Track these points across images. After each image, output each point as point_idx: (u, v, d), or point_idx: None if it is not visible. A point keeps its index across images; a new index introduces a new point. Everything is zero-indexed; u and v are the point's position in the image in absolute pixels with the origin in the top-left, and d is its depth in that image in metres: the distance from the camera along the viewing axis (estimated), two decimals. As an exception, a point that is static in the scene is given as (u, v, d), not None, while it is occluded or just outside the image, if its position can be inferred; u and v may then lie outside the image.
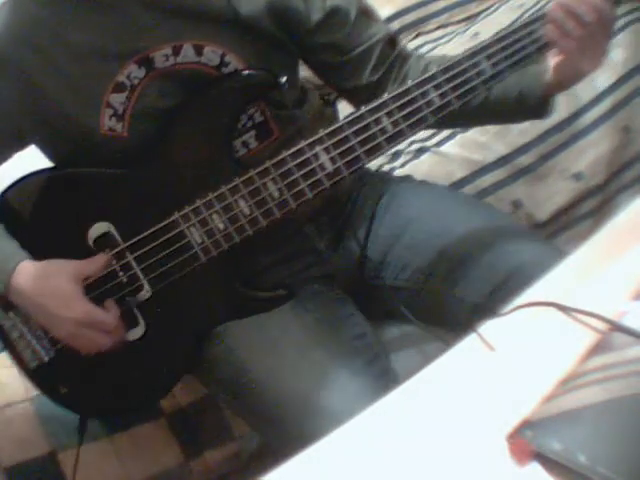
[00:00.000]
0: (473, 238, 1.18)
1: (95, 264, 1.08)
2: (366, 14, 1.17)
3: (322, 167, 1.04)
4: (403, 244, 1.22)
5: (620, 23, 1.72)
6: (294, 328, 1.13)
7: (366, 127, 1.03)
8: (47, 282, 1.06)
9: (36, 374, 1.17)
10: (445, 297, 1.17)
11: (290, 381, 1.08)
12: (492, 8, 1.84)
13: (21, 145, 1.15)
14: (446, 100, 1.03)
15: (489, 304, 1.10)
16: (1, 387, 1.32)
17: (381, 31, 1.18)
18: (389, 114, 1.03)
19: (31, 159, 1.18)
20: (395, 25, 1.81)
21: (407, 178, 1.36)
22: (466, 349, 0.83)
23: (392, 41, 1.19)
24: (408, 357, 1.25)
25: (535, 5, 1.75)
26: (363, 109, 1.03)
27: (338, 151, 1.03)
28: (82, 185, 1.13)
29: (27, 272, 1.06)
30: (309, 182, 1.04)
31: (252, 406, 1.12)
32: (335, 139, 1.03)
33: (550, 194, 1.61)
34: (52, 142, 1.14)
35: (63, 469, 1.32)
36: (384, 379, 1.10)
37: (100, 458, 1.23)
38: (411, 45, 1.80)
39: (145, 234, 1.08)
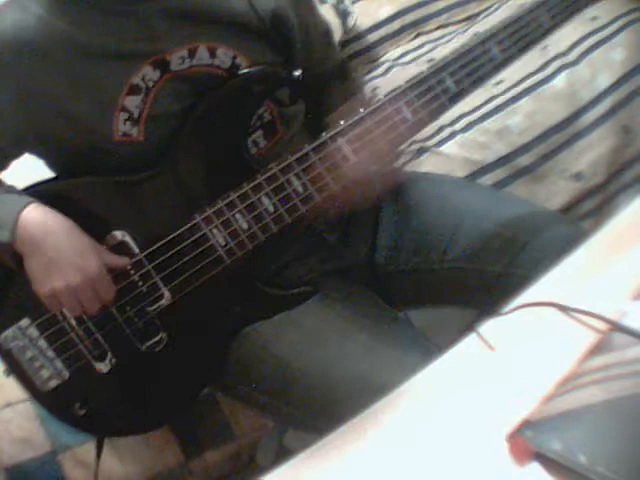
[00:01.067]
0: (482, 213, 1.18)
1: (111, 256, 1.06)
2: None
3: (345, 159, 1.04)
4: (413, 228, 1.21)
5: (620, 23, 1.72)
6: (329, 317, 1.11)
7: (387, 117, 1.03)
8: (65, 227, 1.03)
9: (49, 398, 1.13)
10: (464, 272, 1.17)
11: (340, 366, 1.05)
12: (492, 8, 1.84)
13: (17, 155, 1.13)
14: (462, 86, 1.04)
15: (509, 272, 1.11)
16: (1, 387, 1.32)
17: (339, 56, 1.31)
18: (408, 103, 1.03)
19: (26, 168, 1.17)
20: (395, 25, 1.81)
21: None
22: (466, 349, 0.83)
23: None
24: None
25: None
26: (384, 99, 1.03)
27: (361, 142, 1.03)
28: (92, 193, 1.10)
29: (44, 210, 1.03)
30: (333, 175, 1.04)
31: (298, 398, 1.09)
32: (357, 130, 1.03)
33: (550, 194, 1.61)
34: (58, 153, 1.12)
35: (63, 469, 1.32)
36: (432, 354, 1.08)
37: (101, 458, 1.22)
38: (411, 45, 1.80)
39: (164, 241, 1.06)
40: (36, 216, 1.03)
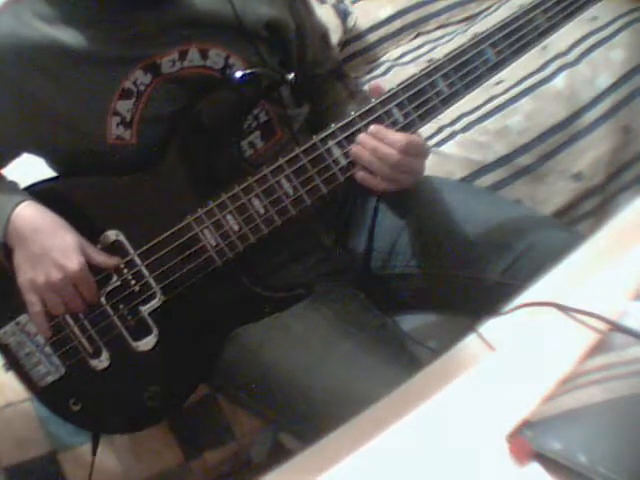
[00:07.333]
0: (482, 220, 1.17)
1: (101, 255, 1.07)
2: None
3: (336, 162, 1.04)
4: (411, 232, 1.21)
5: (620, 23, 1.72)
6: (316, 323, 1.11)
7: (378, 119, 1.03)
8: (54, 226, 1.05)
9: (46, 393, 1.15)
10: (459, 279, 1.17)
11: (322, 374, 1.05)
12: (492, 8, 1.84)
13: (15, 156, 1.15)
14: (454, 89, 1.03)
15: (505, 281, 1.11)
16: (1, 387, 1.32)
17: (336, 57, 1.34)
18: (399, 106, 1.03)
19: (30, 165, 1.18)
20: (395, 25, 1.81)
21: None
22: (466, 349, 0.83)
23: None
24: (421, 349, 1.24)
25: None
26: (374, 101, 1.03)
27: (351, 145, 1.03)
28: (87, 194, 1.12)
29: (37, 209, 1.06)
30: (323, 177, 1.04)
31: (281, 403, 1.10)
32: (347, 133, 1.03)
33: (550, 194, 1.61)
34: (55, 155, 1.14)
35: (63, 469, 1.32)
36: (413, 366, 1.08)
37: (100, 458, 1.22)
38: (411, 45, 1.80)
39: (156, 240, 1.07)
40: (26, 214, 1.06)
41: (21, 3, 1.06)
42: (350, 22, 1.76)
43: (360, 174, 1.04)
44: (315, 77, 1.27)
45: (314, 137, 1.04)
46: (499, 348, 0.82)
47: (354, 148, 1.03)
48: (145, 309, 1.10)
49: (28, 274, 1.06)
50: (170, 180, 1.09)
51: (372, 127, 1.02)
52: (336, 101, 1.26)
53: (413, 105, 1.03)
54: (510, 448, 0.70)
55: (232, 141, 1.10)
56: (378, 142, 1.01)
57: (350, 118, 1.03)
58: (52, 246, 1.04)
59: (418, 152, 1.05)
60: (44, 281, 1.04)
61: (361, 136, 1.02)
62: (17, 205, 1.06)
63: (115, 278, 1.09)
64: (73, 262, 1.04)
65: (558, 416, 0.70)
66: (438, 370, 0.81)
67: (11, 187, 1.13)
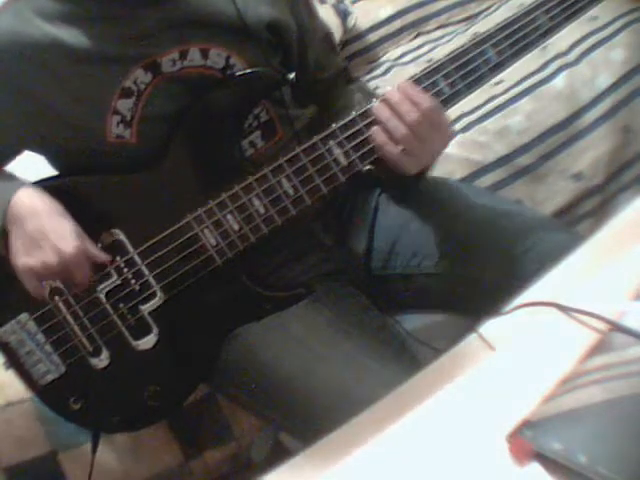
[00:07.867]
0: (482, 220, 1.17)
1: (95, 247, 1.07)
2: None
3: (336, 162, 1.04)
4: (411, 232, 1.21)
5: (620, 23, 1.72)
6: (317, 324, 1.11)
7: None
8: (53, 210, 1.04)
9: (46, 391, 1.15)
10: (460, 280, 1.16)
11: (322, 375, 1.05)
12: (492, 8, 1.84)
13: (16, 154, 1.15)
14: (456, 89, 1.03)
15: (505, 282, 1.09)
16: (1, 387, 1.32)
17: (341, 62, 1.33)
18: None
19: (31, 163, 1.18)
20: (395, 25, 1.81)
21: None
22: (466, 349, 0.83)
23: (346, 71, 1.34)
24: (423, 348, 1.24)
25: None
26: (375, 101, 1.03)
27: (351, 145, 1.03)
28: (88, 193, 1.11)
29: (36, 193, 1.05)
30: (324, 177, 1.04)
31: (281, 403, 1.10)
32: (348, 133, 1.03)
33: (550, 194, 1.61)
34: (56, 153, 1.14)
35: (63, 469, 1.32)
36: (414, 367, 1.08)
37: (100, 458, 1.22)
38: (411, 45, 1.80)
39: (156, 239, 1.07)
40: (25, 197, 1.05)
41: (21, 1, 1.06)
42: (350, 22, 1.76)
43: (375, 130, 1.01)
44: (317, 82, 1.26)
45: (314, 137, 1.04)
46: (499, 348, 0.82)
47: (376, 103, 1.01)
48: (145, 308, 1.10)
49: (24, 257, 1.04)
50: (170, 179, 1.09)
51: (401, 82, 1.00)
52: (347, 105, 1.25)
53: None
54: (510, 448, 0.70)
55: (233, 140, 1.10)
56: (403, 98, 0.99)
57: (350, 117, 1.03)
58: (49, 229, 1.03)
59: (440, 123, 1.02)
60: (40, 264, 1.03)
61: (388, 91, 1.00)
62: (16, 192, 1.05)
63: (115, 277, 1.09)
64: (69, 246, 1.02)
65: (558, 416, 0.71)
66: (438, 370, 0.81)
67: (12, 177, 1.13)
